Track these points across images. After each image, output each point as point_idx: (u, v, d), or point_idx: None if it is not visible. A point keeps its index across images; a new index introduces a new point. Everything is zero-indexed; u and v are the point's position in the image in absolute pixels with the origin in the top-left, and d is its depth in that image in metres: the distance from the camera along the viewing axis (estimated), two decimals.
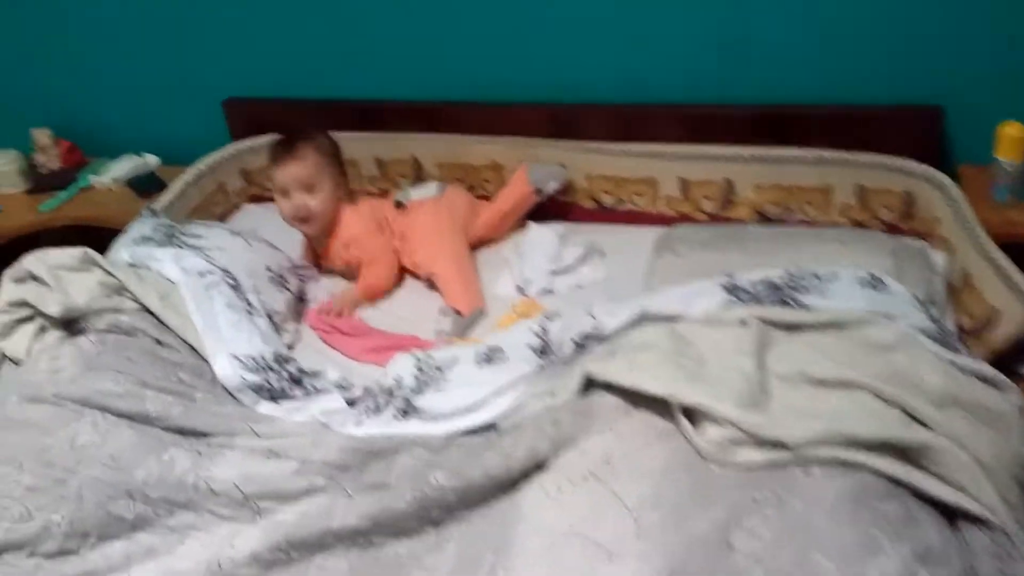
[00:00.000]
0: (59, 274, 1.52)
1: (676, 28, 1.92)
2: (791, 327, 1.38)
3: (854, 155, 1.84)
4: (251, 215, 2.29)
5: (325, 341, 1.77)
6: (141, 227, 1.87)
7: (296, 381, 1.51)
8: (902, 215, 1.85)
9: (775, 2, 1.83)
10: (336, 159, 1.93)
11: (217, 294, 1.59)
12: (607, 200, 2.08)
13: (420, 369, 1.50)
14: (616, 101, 2.03)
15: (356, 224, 1.90)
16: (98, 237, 2.16)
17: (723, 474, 1.18)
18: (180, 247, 1.72)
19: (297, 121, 2.21)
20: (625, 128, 2.01)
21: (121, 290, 1.54)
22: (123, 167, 2.36)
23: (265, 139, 2.24)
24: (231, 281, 1.68)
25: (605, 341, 1.43)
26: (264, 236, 2.06)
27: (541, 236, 1.99)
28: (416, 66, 2.15)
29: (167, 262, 1.63)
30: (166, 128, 2.46)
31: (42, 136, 2.40)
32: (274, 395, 1.49)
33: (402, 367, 1.52)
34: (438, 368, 1.49)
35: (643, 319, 1.44)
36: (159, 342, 1.50)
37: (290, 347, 1.76)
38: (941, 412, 1.20)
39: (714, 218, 2.00)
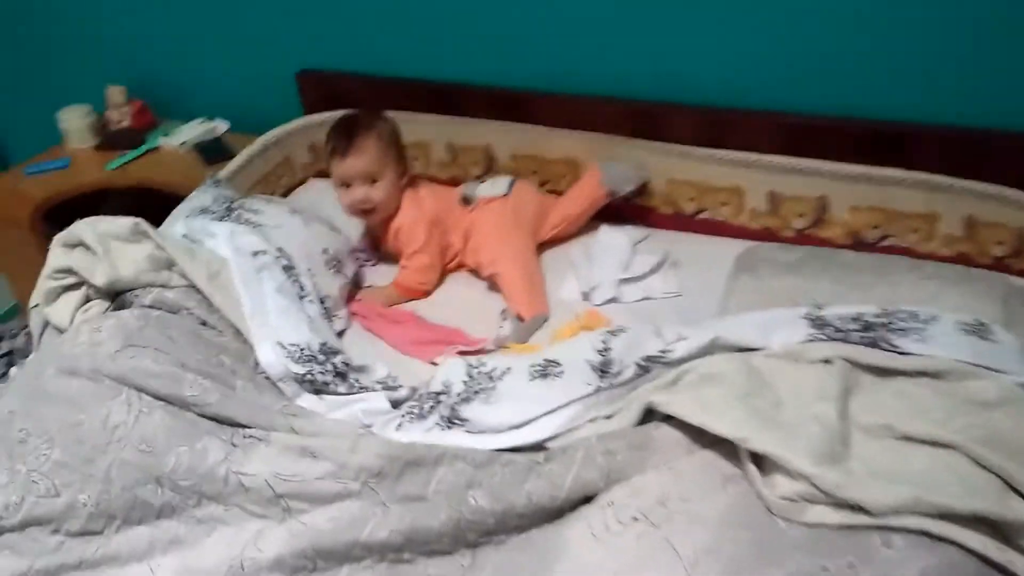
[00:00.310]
0: (109, 243, 1.49)
1: (780, 27, 1.79)
2: (881, 372, 1.26)
3: (967, 183, 1.69)
4: (316, 190, 2.24)
5: (366, 327, 1.72)
6: (202, 197, 1.84)
7: (341, 375, 1.46)
8: (1015, 252, 1.70)
9: (894, 10, 1.68)
10: (397, 145, 1.85)
11: (268, 276, 1.54)
12: (688, 207, 1.97)
13: (471, 376, 1.43)
14: (706, 103, 1.92)
15: (409, 213, 1.83)
16: (163, 198, 2.15)
17: (790, 532, 1.08)
18: (237, 222, 1.68)
19: (372, 98, 2.17)
20: (713, 132, 1.89)
21: (171, 264, 1.50)
22: (193, 131, 2.35)
23: (336, 114, 2.19)
24: (286, 262, 1.64)
25: (672, 367, 1.33)
26: (327, 214, 2.02)
27: (613, 240, 1.89)
28: (497, 51, 2.06)
29: (220, 238, 1.59)
30: (240, 95, 2.44)
31: (116, 93, 2.41)
32: (317, 388, 1.43)
33: (452, 372, 1.45)
34: (489, 376, 1.41)
35: (715, 346, 1.34)
36: (204, 323, 1.46)
37: (341, 334, 1.71)
38: None
39: (803, 237, 1.87)
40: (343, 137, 1.79)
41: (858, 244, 1.83)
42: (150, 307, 1.44)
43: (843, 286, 1.51)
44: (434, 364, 1.61)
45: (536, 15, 1.98)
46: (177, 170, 2.24)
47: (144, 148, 2.33)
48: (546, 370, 1.39)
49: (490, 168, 2.13)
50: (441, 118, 2.11)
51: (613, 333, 1.44)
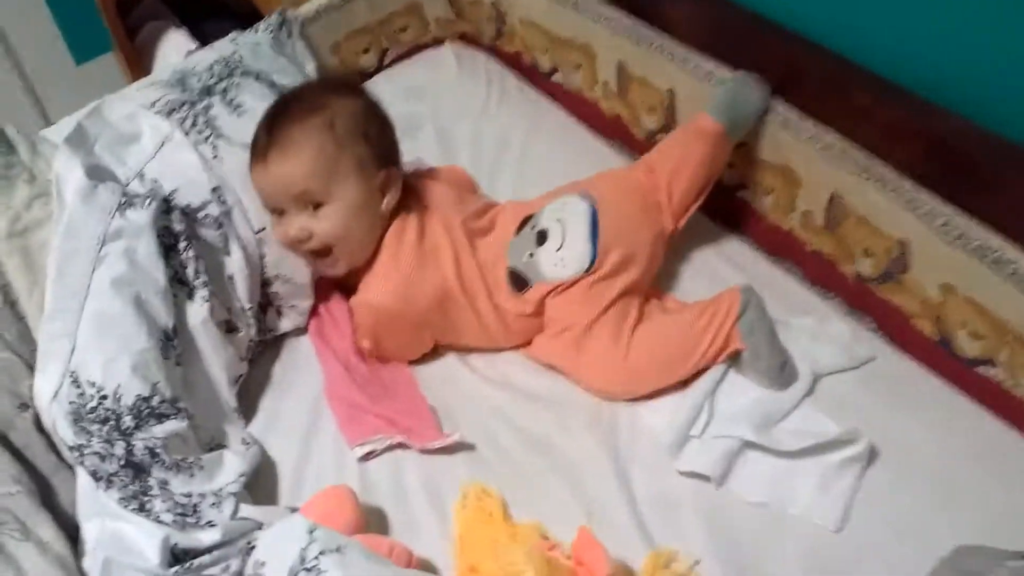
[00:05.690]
0: None
1: None
2: None
3: None
4: (443, 64, 1.61)
5: (314, 344, 1.19)
6: (207, 53, 1.29)
7: (134, 467, 0.90)
8: None
9: None
10: (364, 138, 1.11)
11: (116, 252, 0.96)
12: (969, 349, 1.07)
13: (302, 560, 0.83)
14: None
15: (380, 278, 1.13)
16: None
17: None
18: (191, 122, 1.13)
19: None
20: None
21: None
22: None
23: None
24: (220, 206, 1.08)
25: None
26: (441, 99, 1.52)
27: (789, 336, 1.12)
28: None
29: (78, 164, 1.00)
30: None
31: None
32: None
33: (284, 541, 0.85)
34: None
35: None
36: None
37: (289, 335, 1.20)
38: None
39: None
40: (263, 128, 1.11)
41: None
42: None
43: None
44: (361, 455, 1.06)
45: None
46: None
47: None
48: None
49: (669, 123, 1.33)
50: (626, 23, 1.32)
51: None
